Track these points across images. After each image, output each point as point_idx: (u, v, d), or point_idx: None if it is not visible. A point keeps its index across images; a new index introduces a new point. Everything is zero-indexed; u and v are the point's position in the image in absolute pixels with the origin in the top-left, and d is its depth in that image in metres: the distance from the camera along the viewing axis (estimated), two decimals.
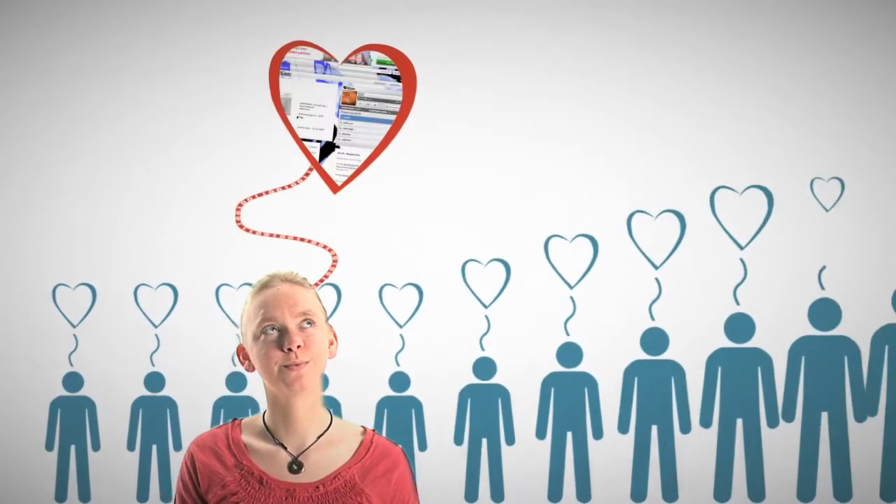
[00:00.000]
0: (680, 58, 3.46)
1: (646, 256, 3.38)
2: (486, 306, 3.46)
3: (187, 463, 1.96)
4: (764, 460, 3.30)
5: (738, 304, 3.32)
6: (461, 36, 3.53)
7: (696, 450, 3.32)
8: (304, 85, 3.53)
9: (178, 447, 3.56)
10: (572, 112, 3.49)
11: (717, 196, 3.37)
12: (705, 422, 3.32)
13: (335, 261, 3.51)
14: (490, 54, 3.53)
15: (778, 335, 3.30)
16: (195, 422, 3.52)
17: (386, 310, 3.50)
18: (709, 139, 3.44)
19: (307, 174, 3.53)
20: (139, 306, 3.60)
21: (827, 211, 3.33)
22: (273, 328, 1.91)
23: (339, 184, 3.55)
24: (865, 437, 3.26)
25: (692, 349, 3.33)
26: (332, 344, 1.98)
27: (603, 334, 3.39)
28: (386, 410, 3.48)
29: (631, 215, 3.41)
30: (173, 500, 1.99)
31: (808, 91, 3.40)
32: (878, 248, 3.30)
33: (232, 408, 3.52)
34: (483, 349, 3.45)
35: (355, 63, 3.48)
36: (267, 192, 3.54)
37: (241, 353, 1.98)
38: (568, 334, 3.41)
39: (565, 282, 3.41)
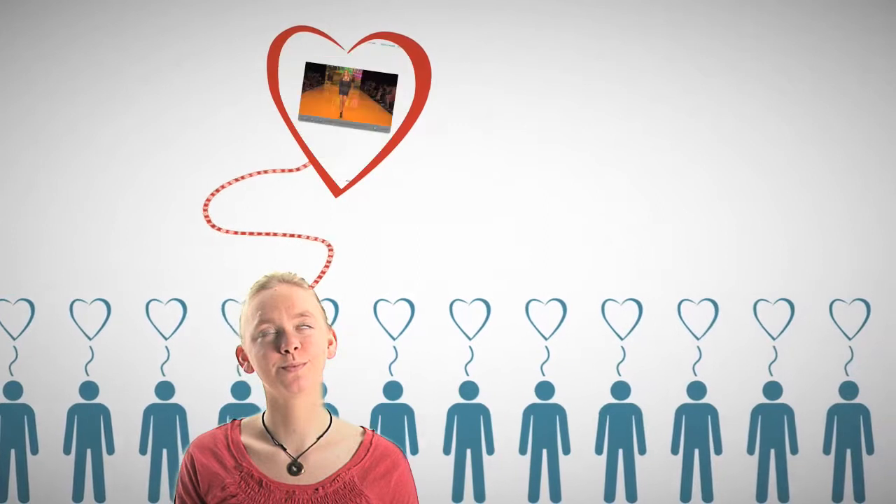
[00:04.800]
0: (701, 66, 3.46)
1: None
2: (546, 338, 3.56)
3: (187, 464, 1.96)
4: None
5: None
6: (481, 34, 3.49)
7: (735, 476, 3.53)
8: (304, 75, 3.50)
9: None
10: (596, 118, 3.48)
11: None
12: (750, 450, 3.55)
13: (331, 254, 3.48)
14: (510, 52, 3.50)
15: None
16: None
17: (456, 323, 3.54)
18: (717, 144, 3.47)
19: (302, 167, 3.48)
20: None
21: None
22: (271, 329, 1.91)
23: (342, 187, 3.50)
24: None
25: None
26: (331, 344, 1.98)
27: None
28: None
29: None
30: (173, 501, 1.99)
31: (810, 91, 3.43)
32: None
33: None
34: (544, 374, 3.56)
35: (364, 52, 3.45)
36: (236, 180, 3.49)
37: (240, 354, 1.99)
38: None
39: (615, 332, 3.55)
